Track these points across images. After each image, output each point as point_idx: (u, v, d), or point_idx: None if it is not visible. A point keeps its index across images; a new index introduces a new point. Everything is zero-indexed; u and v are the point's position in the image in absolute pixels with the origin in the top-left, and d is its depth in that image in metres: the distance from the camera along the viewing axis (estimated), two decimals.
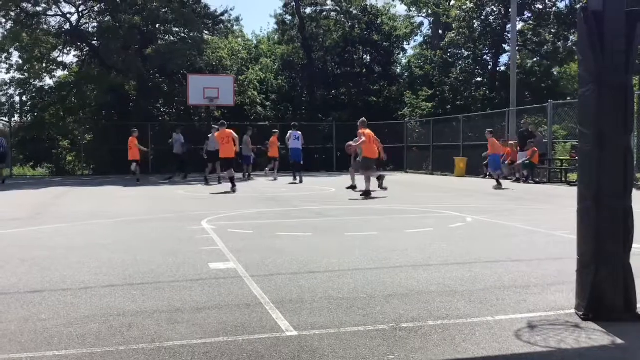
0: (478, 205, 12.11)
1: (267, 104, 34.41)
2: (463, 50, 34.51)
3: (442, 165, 26.69)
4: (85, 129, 31.48)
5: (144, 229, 8.80)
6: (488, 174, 22.40)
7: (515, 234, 8.04)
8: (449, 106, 31.63)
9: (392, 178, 22.61)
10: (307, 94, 35.79)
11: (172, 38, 31.45)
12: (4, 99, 31.65)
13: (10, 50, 29.80)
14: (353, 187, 15.27)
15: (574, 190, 5.10)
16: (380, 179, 15.09)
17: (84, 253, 6.67)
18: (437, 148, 27.37)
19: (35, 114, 31.71)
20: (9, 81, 31.41)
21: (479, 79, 34.12)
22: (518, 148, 20.68)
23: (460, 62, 34.78)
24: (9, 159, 25.92)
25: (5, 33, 29.13)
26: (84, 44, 31.51)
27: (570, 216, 5.70)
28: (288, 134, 21.45)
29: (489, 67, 34.16)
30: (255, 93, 33.16)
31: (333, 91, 35.24)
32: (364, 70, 36.25)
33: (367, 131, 14.16)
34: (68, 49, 31.57)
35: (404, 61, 40.06)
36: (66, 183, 21.74)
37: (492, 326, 3.94)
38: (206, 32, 32.08)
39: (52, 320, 4.09)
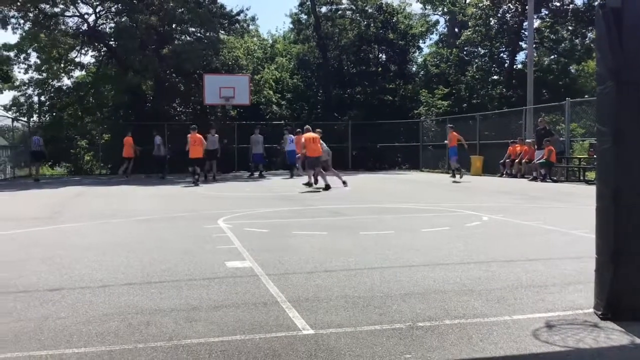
0: (495, 204, 12.04)
1: (283, 103, 34.48)
2: (479, 48, 34.33)
3: (458, 164, 26.51)
4: (102, 129, 31.75)
5: (160, 227, 8.86)
6: (505, 172, 22.29)
7: (532, 233, 7.99)
8: (465, 104, 31.47)
9: (408, 177, 22.56)
10: (323, 93, 35.78)
11: (188, 38, 31.59)
12: (22, 99, 32.00)
13: (28, 51, 30.11)
14: (309, 184, 16.51)
15: (592, 189, 5.06)
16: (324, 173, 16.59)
17: (102, 252, 6.74)
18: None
19: (54, 114, 32.03)
20: (27, 81, 31.78)
21: (495, 77, 33.92)
22: (535, 146, 20.52)
23: (476, 60, 34.60)
24: (45, 158, 26.78)
25: (24, 34, 29.43)
26: (101, 45, 31.76)
27: (588, 215, 5.66)
28: (283, 138, 22.90)
29: (506, 65, 33.94)
30: (271, 92, 33.24)
31: (348, 90, 35.19)
32: (380, 69, 36.16)
33: (306, 136, 16.44)
34: (85, 49, 31.82)
35: (419, 60, 39.92)
36: (84, 182, 21.95)
37: (510, 325, 3.92)
38: (222, 31, 32.17)
39: (71, 318, 4.14)
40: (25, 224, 9.51)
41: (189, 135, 19.78)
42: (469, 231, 8.13)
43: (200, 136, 19.83)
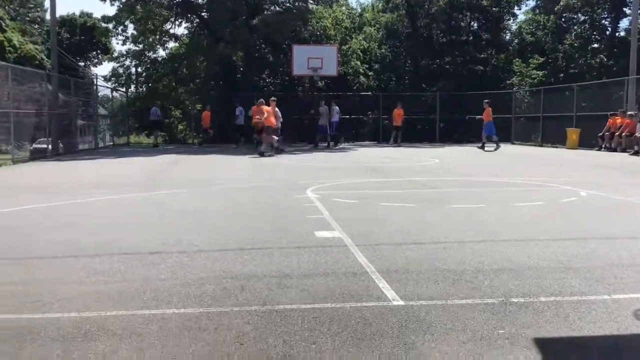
0: (593, 179, 11.50)
1: (370, 73, 34.17)
2: (579, 15, 32.55)
3: (552, 137, 25.48)
4: (195, 99, 32.70)
5: (251, 196, 9.09)
6: (603, 146, 21.22)
7: (634, 210, 7.59)
8: (561, 74, 30.10)
9: (499, 150, 21.91)
10: (411, 63, 35.15)
11: (277, 8, 31.80)
12: (121, 70, 33.43)
13: (126, 23, 31.29)
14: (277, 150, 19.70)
15: None
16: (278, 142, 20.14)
17: (197, 218, 7.00)
18: (548, 119, 26.13)
19: (150, 85, 33.29)
20: (125, 53, 33.11)
21: (595, 46, 32.15)
22: (638, 119, 19.37)
23: (575, 28, 32.88)
24: (163, 126, 28.71)
25: (121, 6, 30.56)
26: (194, 16, 32.53)
27: None
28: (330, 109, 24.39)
29: (607, 32, 32.04)
30: (359, 63, 33.01)
31: (437, 60, 34.37)
32: (471, 38, 35.05)
33: (268, 108, 19.53)
34: (179, 20, 32.71)
35: (513, 27, 38.31)
36: (178, 151, 22.79)
37: (609, 305, 3.76)
38: (311, 1, 32.16)
39: (171, 281, 4.34)
40: (125, 189, 10.01)
41: (253, 107, 21.13)
42: (565, 206, 7.82)
43: (274, 108, 20.99)
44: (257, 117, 19.54)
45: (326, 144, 24.79)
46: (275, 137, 19.92)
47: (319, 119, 25.10)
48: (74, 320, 3.50)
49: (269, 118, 19.33)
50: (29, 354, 3.03)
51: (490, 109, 22.12)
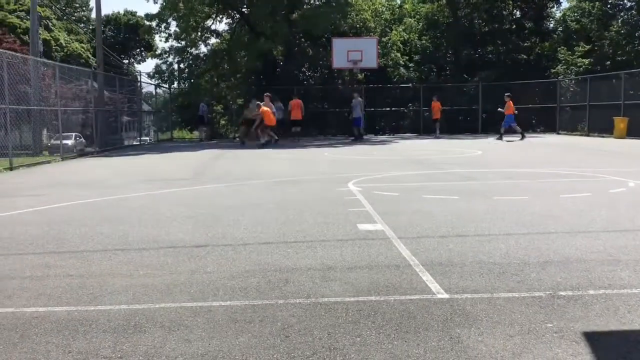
0: None
1: (411, 65, 33.84)
2: (626, 1, 31.53)
3: (599, 126, 24.82)
4: (236, 94, 32.98)
5: (293, 189, 9.15)
6: None
7: None
8: (608, 62, 29.23)
9: (543, 140, 21.51)
10: (452, 54, 34.65)
11: (317, 2, 31.78)
12: (164, 67, 33.97)
13: (168, 20, 31.74)
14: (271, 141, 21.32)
15: None
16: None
17: (241, 212, 7.09)
18: (594, 108, 25.46)
19: (192, 81, 33.72)
20: (168, 50, 33.63)
21: None
22: None
23: (622, 14, 31.84)
24: (207, 122, 29.33)
25: (164, 3, 31.00)
26: (235, 12, 32.78)
27: None
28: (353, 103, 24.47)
29: None
30: (399, 54, 32.72)
31: (479, 50, 33.82)
32: (514, 27, 34.33)
33: (265, 109, 21.08)
34: (220, 16, 33.01)
35: (558, 15, 37.36)
36: (220, 146, 23.05)
37: None
38: None
39: (217, 273, 4.41)
40: (171, 184, 10.20)
41: (290, 102, 24.26)
42: (614, 198, 7.63)
43: (300, 101, 24.08)
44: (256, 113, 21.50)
45: (359, 137, 24.78)
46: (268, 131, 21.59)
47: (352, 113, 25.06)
48: (124, 313, 3.60)
49: (268, 114, 21.13)
50: (82, 345, 3.12)
51: (511, 102, 22.52)
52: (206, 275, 4.36)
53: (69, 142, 20.51)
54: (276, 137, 22.09)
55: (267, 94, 22.42)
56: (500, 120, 23.22)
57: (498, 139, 22.72)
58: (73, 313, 3.61)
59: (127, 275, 4.41)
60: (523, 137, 22.48)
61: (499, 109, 23.27)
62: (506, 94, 23.03)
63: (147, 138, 29.63)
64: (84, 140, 21.73)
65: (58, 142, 18.66)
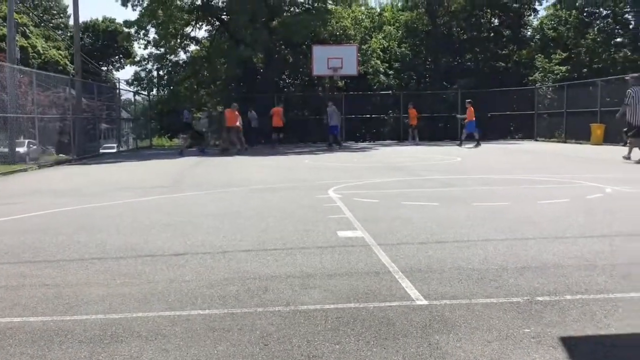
0: (618, 175, 11.33)
1: (390, 72, 34.06)
2: (601, 9, 32.09)
3: (576, 133, 25.17)
4: (216, 101, 32.90)
5: (273, 197, 9.12)
6: (628, 141, 20.86)
7: None
8: (585, 70, 29.72)
9: (521, 147, 21.73)
10: (431, 62, 34.97)
11: (297, 9, 31.87)
12: (143, 74, 33.78)
13: (147, 27, 31.58)
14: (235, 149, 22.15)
15: None
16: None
17: (220, 220, 7.05)
18: (571, 114, 25.81)
19: (171, 88, 33.58)
20: (147, 57, 33.45)
21: (619, 40, 31.65)
22: None
23: (598, 22, 32.41)
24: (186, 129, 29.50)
25: (143, 10, 30.85)
26: (214, 19, 32.74)
27: None
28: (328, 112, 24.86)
29: (631, 26, 31.54)
30: (378, 62, 32.93)
31: (458, 57, 34.17)
32: (492, 35, 34.76)
33: (229, 115, 22.31)
34: (200, 24, 32.96)
35: (535, 23, 37.90)
36: (199, 153, 22.92)
37: (637, 302, 3.71)
38: (330, 2, 32.17)
39: (195, 282, 4.37)
40: (149, 192, 10.11)
41: (272, 109, 25.12)
42: (590, 204, 7.73)
43: (280, 109, 25.03)
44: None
45: (335, 144, 24.85)
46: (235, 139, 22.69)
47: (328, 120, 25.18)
48: (101, 322, 3.55)
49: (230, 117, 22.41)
50: (57, 356, 3.07)
51: (472, 108, 23.19)
52: (184, 284, 4.32)
53: (21, 149, 19.42)
54: (246, 146, 22.69)
55: (234, 105, 23.09)
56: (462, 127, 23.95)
57: (458, 145, 23.52)
58: (48, 323, 3.56)
59: (103, 285, 4.36)
60: (478, 145, 22.92)
61: (457, 115, 24.48)
62: (467, 101, 23.75)
63: (126, 145, 29.37)
64: (42, 148, 20.63)
65: (7, 150, 17.64)
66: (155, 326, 3.47)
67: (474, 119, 22.98)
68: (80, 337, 3.32)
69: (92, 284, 4.39)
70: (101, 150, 25.21)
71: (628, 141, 15.00)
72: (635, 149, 14.28)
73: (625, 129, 15.16)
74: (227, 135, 22.84)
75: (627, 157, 14.38)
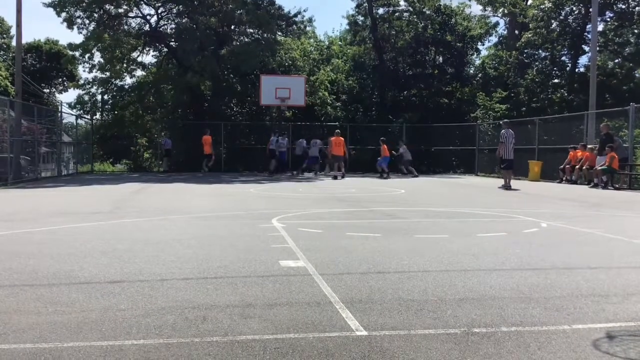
0: (554, 210, 11.73)
1: (338, 104, 34.50)
2: (540, 51, 33.57)
3: (515, 169, 25.92)
4: (161, 127, 32.51)
5: (216, 225, 9.01)
6: (564, 178, 21.68)
7: (593, 241, 7.75)
8: (524, 108, 30.81)
9: (463, 181, 22.23)
10: (378, 95, 35.62)
11: (246, 39, 32.03)
12: (86, 98, 33.10)
13: (93, 51, 31.08)
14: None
15: None
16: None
17: (160, 247, 6.90)
18: None
19: (116, 112, 33.00)
20: (91, 80, 32.84)
21: (556, 81, 33.08)
22: (597, 152, 19.89)
23: (536, 63, 33.84)
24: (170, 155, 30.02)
25: (89, 34, 30.39)
26: (162, 45, 32.55)
27: None
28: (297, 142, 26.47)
29: (567, 68, 33.04)
30: (326, 93, 33.33)
31: (404, 92, 34.92)
32: (436, 72, 35.76)
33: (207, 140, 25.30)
34: (147, 49, 32.70)
35: (477, 62, 39.28)
36: (143, 179, 22.53)
37: (569, 335, 3.81)
38: (279, 33, 32.49)
39: (131, 311, 4.25)
40: (88, 218, 9.83)
41: (204, 137, 26.68)
42: (527, 237, 7.95)
43: (210, 137, 26.91)
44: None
45: (279, 171, 25.64)
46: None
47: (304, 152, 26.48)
48: (29, 352, 3.40)
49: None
50: None
51: (385, 146, 25.61)
52: (119, 313, 4.19)
53: None
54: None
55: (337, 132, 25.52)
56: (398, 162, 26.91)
57: (379, 178, 24.93)
58: None
59: (34, 312, 4.18)
60: (382, 177, 24.83)
61: (394, 152, 26.81)
62: (381, 139, 26.02)
63: (66, 170, 28.55)
64: None
65: None
66: (86, 356, 3.34)
67: (387, 154, 25.55)
68: None
69: (23, 311, 4.21)
70: (41, 174, 24.40)
71: (501, 173, 18.99)
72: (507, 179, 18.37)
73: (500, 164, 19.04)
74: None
75: (507, 186, 18.14)
